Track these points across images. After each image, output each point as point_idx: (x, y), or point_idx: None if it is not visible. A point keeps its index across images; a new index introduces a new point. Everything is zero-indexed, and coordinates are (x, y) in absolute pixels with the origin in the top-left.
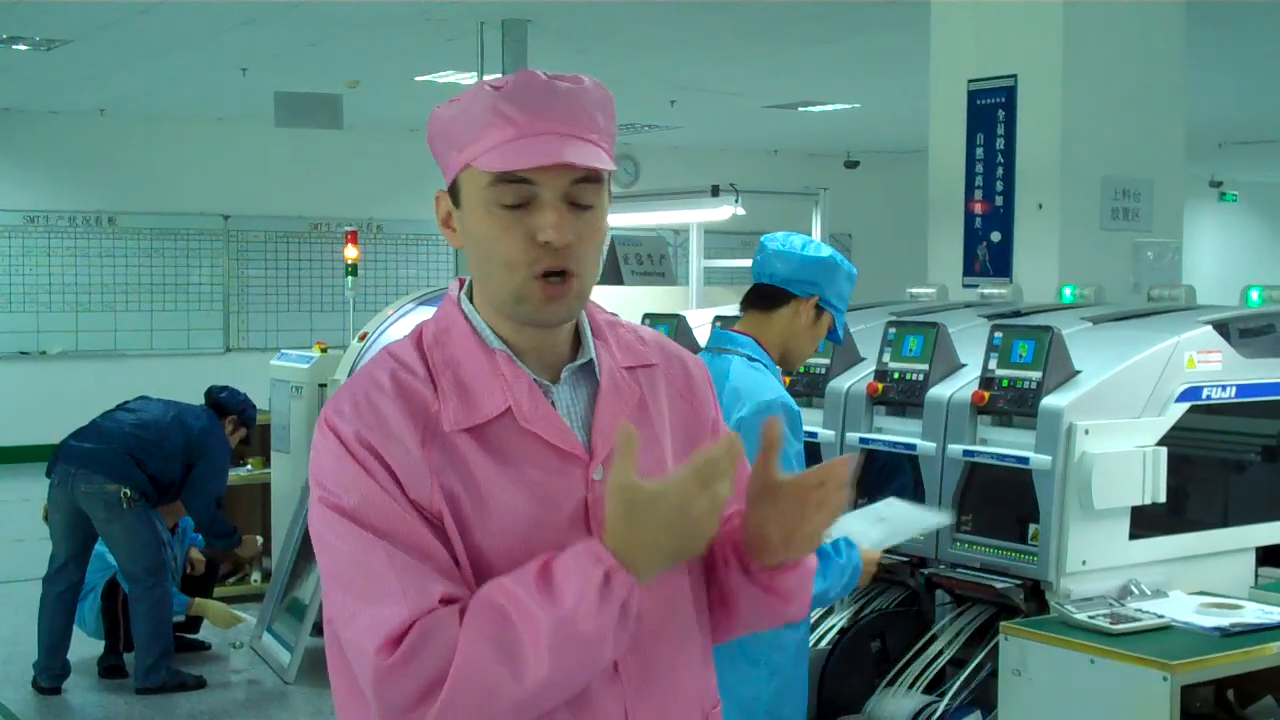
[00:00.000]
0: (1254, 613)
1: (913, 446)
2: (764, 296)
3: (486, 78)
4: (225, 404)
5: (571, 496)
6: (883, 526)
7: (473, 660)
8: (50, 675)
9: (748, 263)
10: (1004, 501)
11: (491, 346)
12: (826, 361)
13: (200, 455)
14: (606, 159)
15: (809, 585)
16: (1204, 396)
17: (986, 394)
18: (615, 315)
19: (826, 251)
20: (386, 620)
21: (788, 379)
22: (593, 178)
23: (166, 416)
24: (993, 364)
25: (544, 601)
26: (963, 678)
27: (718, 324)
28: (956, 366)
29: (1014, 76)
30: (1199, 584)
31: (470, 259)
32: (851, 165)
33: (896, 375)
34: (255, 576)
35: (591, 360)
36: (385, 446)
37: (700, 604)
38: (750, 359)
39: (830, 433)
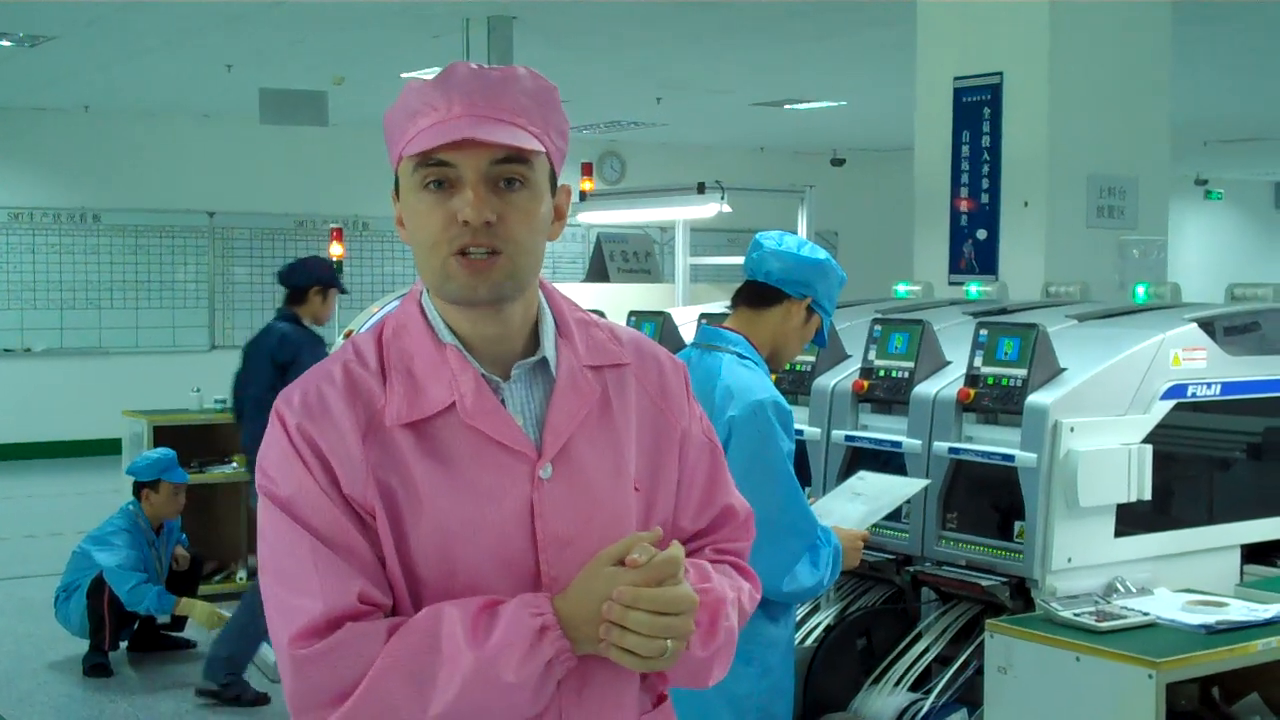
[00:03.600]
0: (1239, 610)
1: (898, 444)
2: (756, 295)
3: (422, 74)
4: (299, 284)
5: (516, 494)
6: (862, 502)
7: (386, 678)
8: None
9: (734, 260)
10: (989, 499)
11: (443, 341)
12: (812, 359)
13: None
14: (527, 139)
15: (711, 663)
16: (1189, 394)
17: (972, 391)
18: (592, 314)
19: (823, 254)
20: (303, 612)
21: (774, 376)
22: (518, 158)
23: (253, 358)
24: (978, 361)
25: (472, 640)
26: (948, 675)
27: (704, 321)
28: (942, 364)
29: (999, 74)
30: (1184, 581)
31: (412, 249)
32: (838, 163)
33: (882, 373)
34: (241, 574)
35: (546, 357)
36: (325, 439)
37: None
38: (741, 357)
39: (816, 430)
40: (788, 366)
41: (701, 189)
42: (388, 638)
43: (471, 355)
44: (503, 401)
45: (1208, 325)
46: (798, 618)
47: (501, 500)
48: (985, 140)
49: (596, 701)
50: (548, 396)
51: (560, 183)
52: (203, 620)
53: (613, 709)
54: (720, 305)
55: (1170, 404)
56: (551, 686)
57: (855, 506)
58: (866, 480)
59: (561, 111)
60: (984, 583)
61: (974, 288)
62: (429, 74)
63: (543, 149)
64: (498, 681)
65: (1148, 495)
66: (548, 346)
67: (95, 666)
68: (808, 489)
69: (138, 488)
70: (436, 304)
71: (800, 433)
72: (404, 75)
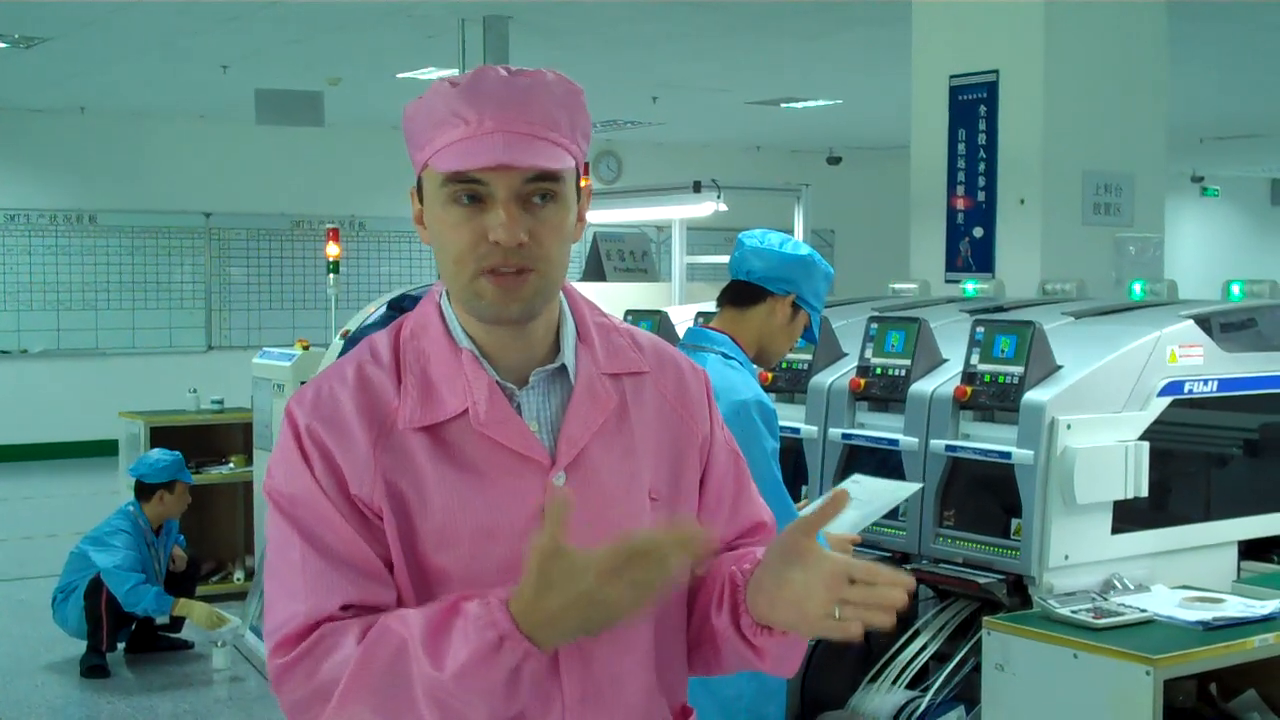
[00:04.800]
0: (1236, 606)
1: (895, 442)
2: (740, 293)
3: (449, 74)
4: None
5: (527, 503)
6: (855, 507)
7: (358, 686)
8: None
9: None
10: (986, 496)
11: (460, 346)
12: (809, 357)
13: None
14: (561, 156)
15: (797, 651)
16: (1186, 391)
17: (969, 389)
18: (614, 318)
19: (804, 250)
20: (288, 619)
21: (769, 375)
22: (550, 175)
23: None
24: (975, 359)
25: (431, 654)
26: (946, 673)
27: (699, 320)
28: (938, 362)
29: (995, 72)
30: (1182, 578)
31: (435, 256)
32: (834, 161)
33: (879, 371)
34: (238, 575)
35: (565, 365)
36: (334, 441)
37: (669, 618)
38: (726, 357)
39: (813, 429)
40: (783, 365)
41: (697, 188)
42: (360, 635)
43: (489, 361)
44: (518, 408)
45: (1204, 322)
46: None
47: (513, 508)
48: (981, 138)
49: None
50: (565, 404)
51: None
52: (202, 621)
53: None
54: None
55: (1167, 401)
56: (527, 684)
57: (848, 512)
58: (861, 484)
59: (586, 113)
60: (981, 580)
61: (971, 286)
62: (425, 74)
63: (573, 161)
64: (466, 698)
65: (1145, 492)
66: (567, 354)
67: (93, 668)
68: (804, 488)
69: (148, 489)
70: (456, 310)
71: (797, 431)
72: (400, 76)
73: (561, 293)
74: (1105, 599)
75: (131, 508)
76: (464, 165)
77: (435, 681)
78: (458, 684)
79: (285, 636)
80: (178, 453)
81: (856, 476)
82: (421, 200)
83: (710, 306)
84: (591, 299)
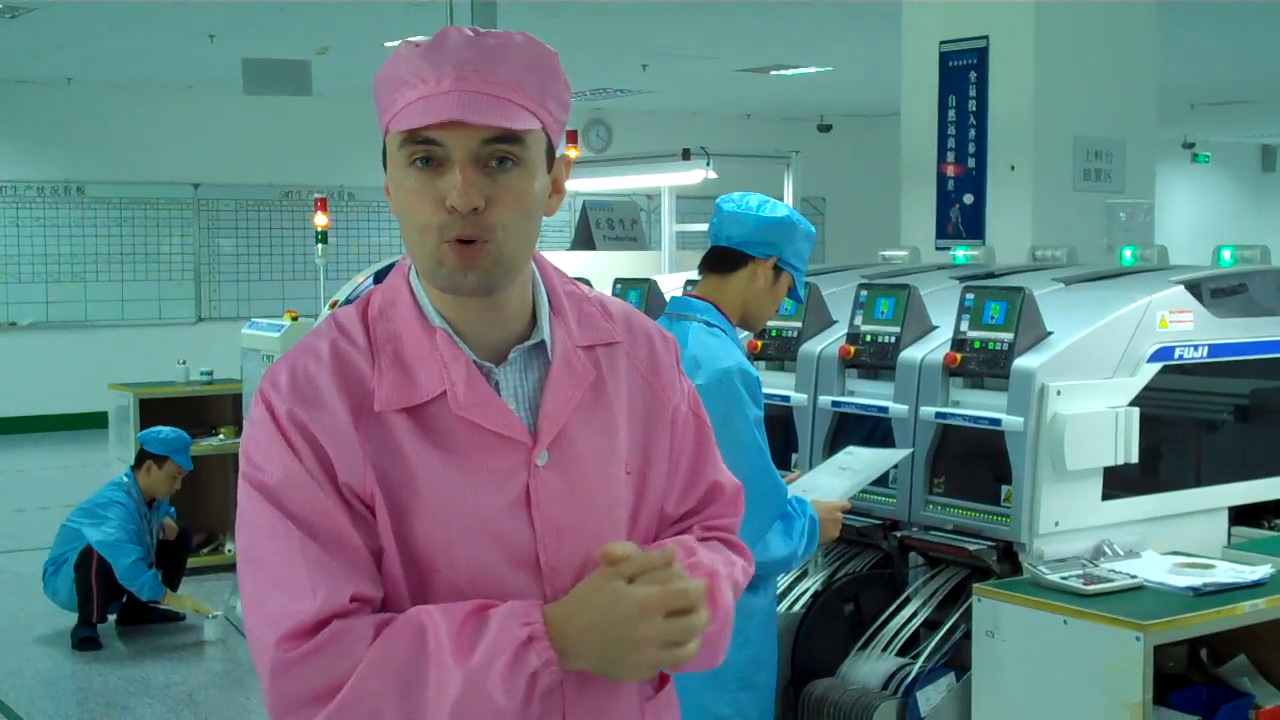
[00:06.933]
0: (1226, 572)
1: (885, 409)
2: (721, 259)
3: (412, 38)
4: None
5: (513, 482)
6: (847, 475)
7: (371, 681)
8: None
9: None
10: (977, 463)
11: (433, 325)
12: (798, 325)
13: None
14: (522, 117)
15: (719, 645)
16: (1176, 356)
17: (958, 356)
18: (582, 285)
19: (782, 211)
20: (293, 613)
21: (759, 343)
22: (510, 137)
23: None
24: (964, 326)
25: (458, 651)
26: (936, 640)
27: (688, 288)
28: (928, 328)
29: (985, 38)
30: (1172, 544)
31: (400, 224)
32: (824, 129)
33: (868, 338)
34: (229, 546)
35: (544, 340)
36: (318, 425)
37: None
38: (709, 325)
39: (803, 396)
40: (772, 333)
41: (687, 155)
42: (374, 635)
43: (462, 338)
44: (496, 386)
45: (1195, 288)
46: (785, 584)
47: (499, 489)
48: (971, 104)
49: (597, 690)
50: (542, 379)
51: (559, 153)
52: (196, 610)
53: (614, 695)
54: None
55: (1157, 367)
56: (536, 701)
57: (840, 481)
58: (855, 455)
59: (562, 79)
60: (971, 547)
61: (961, 252)
62: (413, 41)
63: (538, 124)
64: (484, 695)
65: (1135, 458)
66: (545, 330)
67: (84, 640)
68: (794, 456)
69: (142, 455)
70: (425, 285)
71: (787, 399)
72: (387, 44)
73: (533, 263)
74: (1095, 565)
75: (125, 478)
76: (417, 122)
77: (456, 673)
78: (477, 679)
79: (294, 628)
80: (186, 435)
81: (850, 449)
82: (385, 167)
83: (697, 275)
84: (581, 268)
